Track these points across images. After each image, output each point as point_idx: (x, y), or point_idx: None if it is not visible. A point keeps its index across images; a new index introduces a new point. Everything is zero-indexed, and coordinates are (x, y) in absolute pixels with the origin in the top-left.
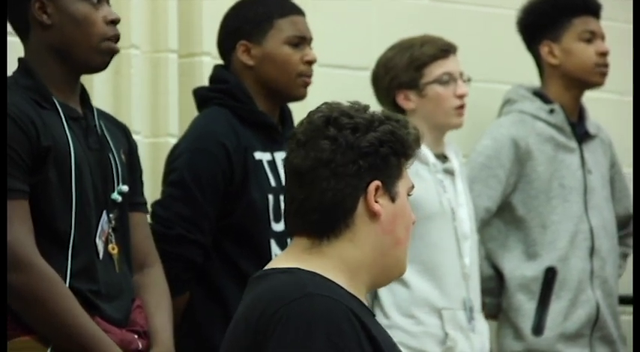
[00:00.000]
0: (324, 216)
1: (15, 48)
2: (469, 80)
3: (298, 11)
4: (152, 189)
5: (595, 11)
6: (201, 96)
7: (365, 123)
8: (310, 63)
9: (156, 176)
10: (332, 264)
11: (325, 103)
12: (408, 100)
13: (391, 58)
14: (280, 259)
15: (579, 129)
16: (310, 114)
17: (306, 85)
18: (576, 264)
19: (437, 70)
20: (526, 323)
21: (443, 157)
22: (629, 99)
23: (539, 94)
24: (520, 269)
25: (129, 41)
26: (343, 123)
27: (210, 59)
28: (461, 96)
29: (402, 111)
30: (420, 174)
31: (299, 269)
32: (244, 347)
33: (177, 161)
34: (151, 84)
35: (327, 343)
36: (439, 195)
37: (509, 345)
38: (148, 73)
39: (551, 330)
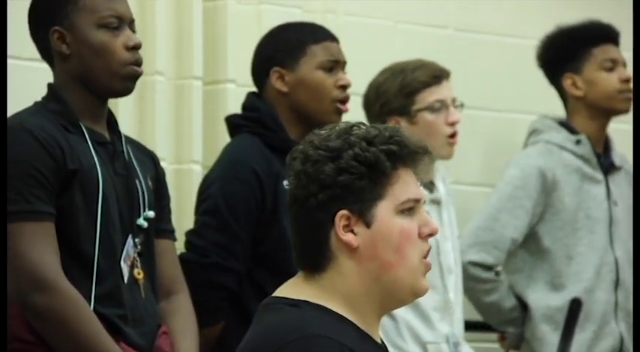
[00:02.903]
0: (305, 252)
1: (40, 73)
2: (462, 106)
3: (332, 38)
4: (176, 216)
5: (613, 38)
6: (233, 124)
7: (327, 153)
8: (344, 87)
9: (180, 203)
10: (331, 295)
11: (311, 132)
12: None
13: (382, 83)
14: (287, 287)
15: (605, 161)
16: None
17: (340, 111)
18: (601, 296)
19: (428, 97)
20: None
21: (430, 185)
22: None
23: (565, 125)
24: (545, 299)
25: (154, 68)
26: (308, 155)
27: (234, 87)
28: (452, 124)
29: None
30: None
31: (307, 302)
32: None
33: (209, 189)
34: (176, 111)
35: None
36: None
37: None
38: (172, 99)
39: None
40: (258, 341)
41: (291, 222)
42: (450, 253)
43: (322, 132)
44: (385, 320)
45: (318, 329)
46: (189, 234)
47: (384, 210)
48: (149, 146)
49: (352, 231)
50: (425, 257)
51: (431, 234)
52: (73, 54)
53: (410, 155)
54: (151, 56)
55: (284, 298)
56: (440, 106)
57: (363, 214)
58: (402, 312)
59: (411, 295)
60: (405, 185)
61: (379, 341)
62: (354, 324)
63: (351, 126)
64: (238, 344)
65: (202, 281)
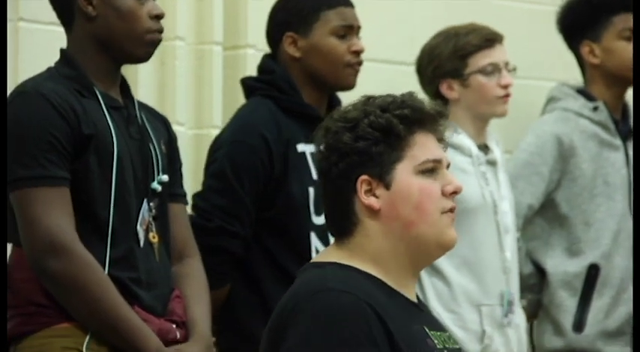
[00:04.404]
0: (333, 220)
1: (57, 37)
2: (514, 70)
3: (346, 3)
4: (195, 181)
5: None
6: (248, 86)
7: (345, 124)
8: (358, 53)
9: (199, 168)
10: (360, 257)
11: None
12: (451, 90)
13: (435, 47)
14: (322, 253)
15: (623, 127)
16: None
17: (355, 73)
18: (619, 262)
19: (482, 60)
20: (567, 319)
21: (485, 147)
22: None
23: (583, 92)
24: (563, 265)
25: (174, 33)
26: (328, 128)
27: (254, 51)
28: (505, 87)
29: (445, 100)
30: (463, 167)
31: (334, 263)
32: (269, 339)
33: (217, 152)
34: (196, 76)
35: (339, 338)
36: (482, 188)
37: (549, 341)
38: (192, 64)
39: (591, 327)
40: (283, 301)
41: (321, 194)
42: (507, 212)
43: (344, 106)
44: (440, 285)
45: (336, 284)
46: (195, 195)
47: (402, 172)
48: (169, 111)
49: (374, 195)
50: (446, 212)
51: (455, 192)
52: (99, 16)
53: (424, 118)
54: (172, 21)
55: (313, 263)
56: (492, 69)
57: (382, 178)
58: (457, 276)
59: (438, 248)
60: (424, 147)
61: (414, 300)
62: (385, 284)
63: (369, 98)
64: (247, 310)
65: (206, 244)
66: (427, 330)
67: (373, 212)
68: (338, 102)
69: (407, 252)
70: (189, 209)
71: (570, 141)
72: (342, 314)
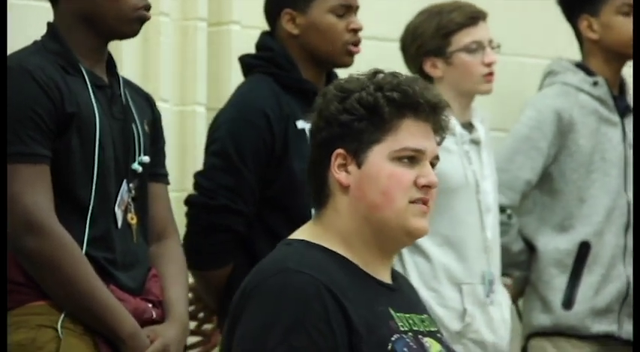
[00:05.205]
0: (311, 187)
1: (48, 13)
2: (498, 47)
3: None
4: (179, 158)
5: None
6: (247, 64)
7: (340, 93)
8: (356, 31)
9: (183, 144)
10: (329, 233)
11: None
12: (435, 68)
13: (419, 25)
14: (300, 229)
15: (621, 103)
16: None
17: (352, 53)
18: (610, 239)
19: (465, 38)
20: (556, 296)
21: (469, 126)
22: None
23: (582, 67)
24: (554, 242)
25: (158, 8)
26: (325, 93)
27: (239, 28)
28: (489, 65)
29: (429, 78)
30: (446, 146)
31: (302, 241)
32: (231, 315)
33: (218, 131)
34: (180, 52)
35: (292, 319)
36: (464, 168)
37: (537, 318)
38: (177, 40)
39: (581, 304)
40: (247, 279)
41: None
42: (489, 193)
43: (351, 75)
44: (421, 262)
45: (296, 265)
46: (197, 175)
47: (377, 154)
48: (153, 87)
49: (346, 171)
50: (416, 202)
51: (427, 186)
52: None
53: (415, 105)
54: None
55: (285, 240)
56: (476, 47)
57: (357, 155)
58: (439, 254)
59: (405, 235)
60: (409, 135)
61: (386, 281)
62: (352, 264)
63: (376, 73)
64: None
65: (209, 223)
66: (392, 312)
67: (343, 187)
68: (336, 78)
69: (371, 233)
70: (189, 187)
71: (570, 117)
72: (297, 295)
